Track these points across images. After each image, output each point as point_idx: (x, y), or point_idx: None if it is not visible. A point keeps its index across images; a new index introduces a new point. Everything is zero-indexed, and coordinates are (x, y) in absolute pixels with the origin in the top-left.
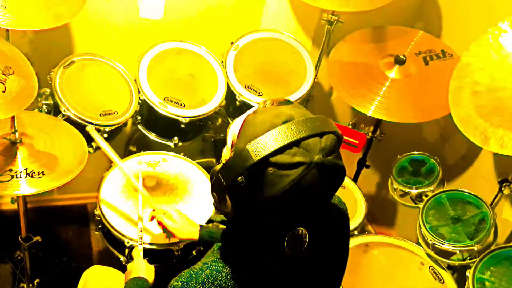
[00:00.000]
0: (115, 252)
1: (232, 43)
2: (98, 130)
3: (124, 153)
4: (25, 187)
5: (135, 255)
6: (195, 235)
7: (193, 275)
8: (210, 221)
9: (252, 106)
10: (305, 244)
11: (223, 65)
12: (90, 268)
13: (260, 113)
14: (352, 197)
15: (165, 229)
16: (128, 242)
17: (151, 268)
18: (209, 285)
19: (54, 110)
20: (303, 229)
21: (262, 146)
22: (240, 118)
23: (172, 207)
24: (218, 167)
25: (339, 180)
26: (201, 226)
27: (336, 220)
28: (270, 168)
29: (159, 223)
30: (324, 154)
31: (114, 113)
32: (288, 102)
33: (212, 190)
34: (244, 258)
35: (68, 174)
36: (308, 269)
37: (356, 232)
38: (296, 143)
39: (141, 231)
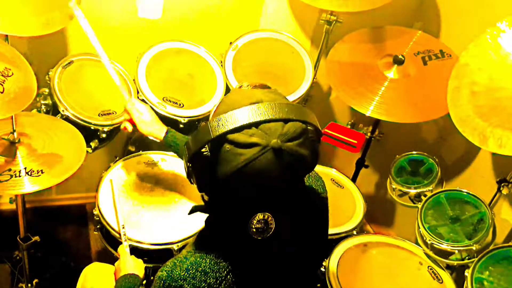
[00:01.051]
0: (113, 252)
1: (231, 43)
2: (97, 130)
3: (123, 153)
4: (24, 186)
5: (121, 252)
6: (158, 135)
7: (177, 263)
8: (193, 210)
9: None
10: (271, 229)
11: (222, 65)
12: (90, 265)
13: (233, 93)
14: (351, 197)
15: (133, 124)
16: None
17: (140, 262)
18: (194, 271)
19: (53, 110)
20: (268, 214)
21: (223, 123)
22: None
23: (170, 207)
24: (189, 137)
25: (300, 168)
26: (168, 129)
27: (310, 208)
28: (227, 146)
29: (129, 118)
30: (284, 139)
31: (113, 113)
32: (265, 86)
33: (183, 161)
34: (219, 243)
35: (67, 171)
36: (281, 255)
37: (355, 232)
38: (255, 124)
39: (123, 227)
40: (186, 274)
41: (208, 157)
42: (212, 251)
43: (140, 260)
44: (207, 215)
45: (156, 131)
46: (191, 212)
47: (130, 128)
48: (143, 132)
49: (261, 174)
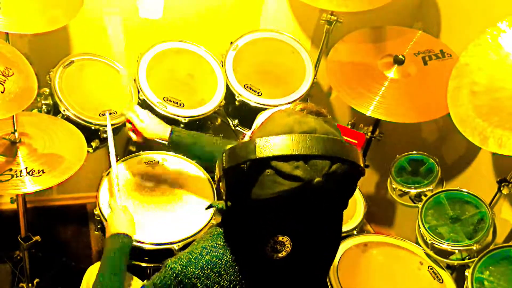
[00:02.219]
0: None
1: (231, 43)
2: (98, 130)
3: (124, 153)
4: (25, 185)
5: (113, 206)
6: (164, 135)
7: (193, 260)
8: (210, 206)
9: (251, 106)
10: (286, 252)
11: (222, 65)
12: (95, 264)
13: (286, 114)
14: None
15: (134, 131)
16: None
17: (131, 218)
18: (208, 271)
19: (54, 110)
20: (287, 237)
21: (270, 146)
22: (271, 110)
23: (171, 207)
24: (229, 147)
25: (331, 201)
26: (172, 128)
27: (325, 232)
28: (269, 170)
29: (132, 128)
30: (328, 179)
31: (114, 113)
32: (320, 114)
33: (216, 165)
34: (235, 249)
35: (68, 171)
36: (293, 275)
37: (355, 232)
38: (303, 158)
39: (117, 177)
40: (200, 273)
41: (244, 173)
42: (228, 254)
43: (132, 217)
44: (208, 214)
45: (161, 132)
46: (208, 208)
47: (134, 137)
48: (149, 137)
49: (295, 207)
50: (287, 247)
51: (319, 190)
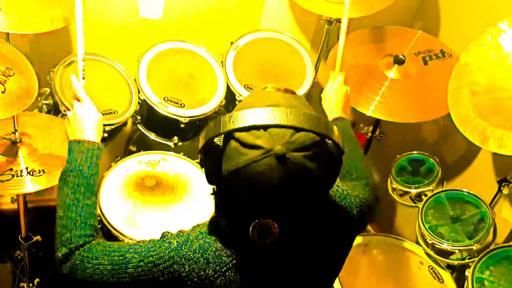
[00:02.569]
0: None
1: (231, 43)
2: None
3: (124, 153)
4: (26, 185)
5: (81, 96)
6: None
7: (189, 242)
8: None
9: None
10: (273, 237)
11: (222, 65)
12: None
13: (256, 93)
14: None
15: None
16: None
17: (100, 122)
18: (199, 255)
19: (54, 109)
20: (271, 221)
21: (234, 120)
22: None
23: (171, 207)
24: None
25: (305, 182)
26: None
27: (329, 221)
28: (234, 143)
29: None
30: (290, 148)
31: (114, 113)
32: (288, 91)
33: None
34: (224, 238)
35: None
36: (284, 264)
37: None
38: (264, 127)
39: (83, 60)
40: (192, 255)
41: (219, 150)
42: (219, 242)
43: (98, 117)
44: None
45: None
46: (212, 194)
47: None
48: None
49: (259, 179)
50: (274, 231)
51: (283, 160)
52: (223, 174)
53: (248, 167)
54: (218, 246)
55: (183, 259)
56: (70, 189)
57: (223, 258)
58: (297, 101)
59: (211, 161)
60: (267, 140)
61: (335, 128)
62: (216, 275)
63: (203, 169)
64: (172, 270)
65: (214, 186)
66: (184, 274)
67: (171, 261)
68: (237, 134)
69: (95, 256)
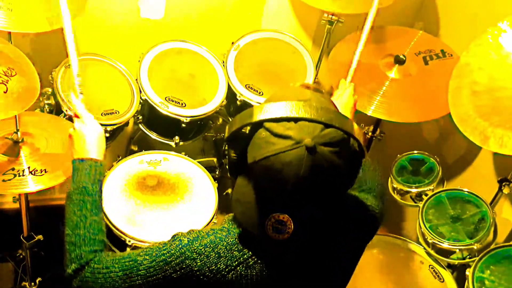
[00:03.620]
0: (116, 251)
1: (232, 43)
2: None
3: (126, 153)
4: (27, 185)
5: (82, 113)
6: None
7: (200, 237)
8: (228, 194)
9: (253, 106)
10: (288, 233)
11: (223, 65)
12: None
13: (285, 88)
14: None
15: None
16: (129, 241)
17: (102, 133)
18: (210, 250)
19: (56, 109)
20: (287, 216)
21: (265, 111)
22: None
23: (173, 207)
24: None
25: (330, 177)
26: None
27: (343, 224)
28: (263, 132)
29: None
30: (319, 142)
31: (116, 113)
32: (316, 90)
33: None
34: (238, 232)
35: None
36: (297, 262)
37: None
38: (295, 120)
39: (78, 76)
40: (203, 249)
41: (245, 139)
42: (231, 238)
43: (101, 130)
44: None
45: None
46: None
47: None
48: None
49: (286, 168)
50: (289, 227)
51: (312, 152)
52: (248, 162)
53: (277, 156)
54: (229, 241)
55: (195, 253)
56: (76, 206)
57: (234, 252)
58: (325, 100)
59: (236, 150)
60: (298, 132)
61: (360, 130)
62: (227, 269)
63: (226, 158)
64: (184, 266)
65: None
66: (196, 269)
67: (183, 257)
68: (267, 124)
69: (106, 266)
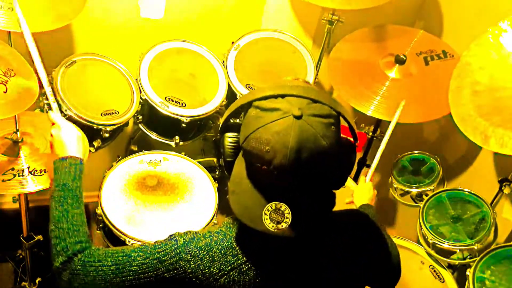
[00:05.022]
0: None
1: (233, 42)
2: (100, 130)
3: (126, 153)
4: (27, 185)
5: (56, 119)
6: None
7: (196, 239)
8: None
9: None
10: (286, 223)
11: (224, 64)
12: None
13: (276, 81)
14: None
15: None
16: (129, 241)
17: (83, 134)
18: (204, 253)
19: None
20: (284, 205)
21: (254, 92)
22: None
23: (173, 207)
24: None
25: (318, 150)
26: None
27: (341, 224)
28: (253, 111)
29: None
30: (307, 113)
31: (116, 113)
32: (307, 82)
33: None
34: (234, 235)
35: None
36: (293, 268)
37: None
38: (282, 96)
39: (50, 83)
40: (197, 252)
41: (234, 125)
42: (226, 242)
43: (78, 133)
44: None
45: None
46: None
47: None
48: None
49: (275, 138)
50: (287, 217)
51: (301, 122)
52: (240, 143)
53: (266, 127)
54: (224, 245)
55: (189, 255)
56: (57, 202)
57: (229, 257)
58: (314, 86)
59: (229, 140)
60: (286, 105)
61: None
62: (220, 273)
63: (221, 150)
64: (177, 266)
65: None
66: (189, 271)
67: (177, 258)
68: (256, 103)
69: (98, 259)
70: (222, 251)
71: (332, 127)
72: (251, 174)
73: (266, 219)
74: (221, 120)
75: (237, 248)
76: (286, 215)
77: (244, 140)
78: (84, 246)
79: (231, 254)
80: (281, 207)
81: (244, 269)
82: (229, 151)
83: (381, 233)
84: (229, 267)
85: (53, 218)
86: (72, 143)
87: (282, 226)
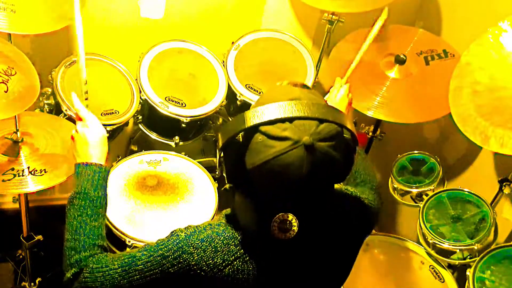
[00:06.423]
0: (116, 251)
1: (232, 42)
2: None
3: (126, 153)
4: (27, 185)
5: (86, 116)
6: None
7: (197, 231)
8: (225, 189)
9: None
10: (293, 231)
11: (224, 64)
12: None
13: (273, 89)
14: None
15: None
16: (129, 241)
17: (104, 137)
18: (207, 244)
19: (56, 109)
20: (291, 215)
21: (258, 114)
22: None
23: (173, 207)
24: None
25: (329, 171)
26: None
27: (342, 220)
28: (260, 137)
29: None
30: (316, 138)
31: (116, 113)
32: (304, 86)
33: (218, 148)
34: (238, 230)
35: (70, 170)
36: (301, 261)
37: None
38: (290, 120)
39: (86, 82)
40: (200, 244)
41: (240, 146)
42: (227, 232)
43: (104, 133)
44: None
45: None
46: (224, 189)
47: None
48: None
49: (288, 170)
50: (294, 226)
51: (311, 150)
52: (248, 168)
53: (277, 159)
54: (226, 235)
55: (191, 247)
56: (76, 211)
57: (231, 247)
58: (314, 95)
59: (232, 158)
60: (294, 132)
61: (350, 119)
62: (224, 263)
63: (223, 166)
64: (181, 260)
65: (229, 185)
66: (193, 263)
67: (180, 251)
68: (263, 128)
69: (105, 264)
70: (224, 241)
71: (340, 143)
72: (259, 195)
73: (275, 229)
74: (221, 139)
75: (239, 237)
76: (293, 223)
77: (252, 167)
78: (96, 256)
79: (233, 243)
80: (288, 217)
81: (248, 258)
82: (231, 175)
83: (364, 205)
84: (233, 257)
85: (71, 228)
86: (97, 146)
87: (290, 234)
